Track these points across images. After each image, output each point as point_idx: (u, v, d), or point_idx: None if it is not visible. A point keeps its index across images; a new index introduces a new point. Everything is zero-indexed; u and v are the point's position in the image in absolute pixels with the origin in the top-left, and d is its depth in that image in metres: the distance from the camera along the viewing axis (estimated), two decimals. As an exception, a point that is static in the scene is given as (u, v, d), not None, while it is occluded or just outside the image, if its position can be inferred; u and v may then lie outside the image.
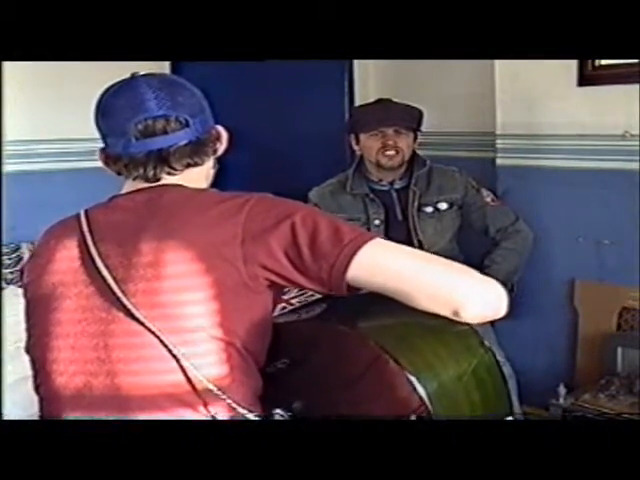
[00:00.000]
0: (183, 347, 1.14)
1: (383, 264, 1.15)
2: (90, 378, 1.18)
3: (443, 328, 1.17)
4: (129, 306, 1.16)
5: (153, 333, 1.14)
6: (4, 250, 2.72)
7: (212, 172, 1.34)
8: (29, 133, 2.91)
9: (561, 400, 2.47)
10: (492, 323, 2.66)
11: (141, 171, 1.24)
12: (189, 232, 1.17)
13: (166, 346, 1.14)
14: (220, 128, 1.31)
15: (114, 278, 1.18)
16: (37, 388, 1.26)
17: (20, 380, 1.89)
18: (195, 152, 1.25)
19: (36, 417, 1.27)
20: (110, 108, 1.25)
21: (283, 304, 1.31)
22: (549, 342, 2.80)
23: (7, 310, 1.89)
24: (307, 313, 1.30)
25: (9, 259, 2.74)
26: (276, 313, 1.28)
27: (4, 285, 2.57)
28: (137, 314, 1.15)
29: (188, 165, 1.25)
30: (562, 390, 2.47)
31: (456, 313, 1.11)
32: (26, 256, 2.70)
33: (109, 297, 1.18)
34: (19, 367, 1.78)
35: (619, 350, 2.53)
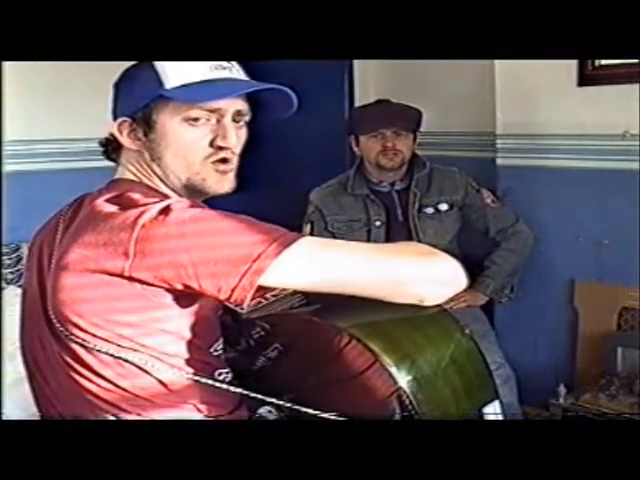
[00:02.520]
0: (107, 358, 1.14)
1: (318, 271, 1.10)
2: (60, 381, 1.19)
3: (417, 314, 1.18)
4: (51, 317, 1.15)
5: (78, 343, 1.14)
6: (4, 250, 2.72)
7: (165, 162, 1.22)
8: (29, 133, 2.90)
9: (561, 400, 2.47)
10: (492, 324, 2.68)
11: None
12: (85, 245, 1.11)
13: (95, 357, 1.14)
14: (114, 125, 1.24)
15: (46, 286, 1.18)
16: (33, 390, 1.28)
17: (20, 380, 1.89)
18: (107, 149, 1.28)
19: (36, 417, 1.27)
20: None
21: (258, 299, 1.31)
22: (549, 342, 2.80)
23: (7, 310, 1.89)
24: (282, 306, 1.31)
25: (9, 259, 2.74)
26: (251, 308, 1.28)
27: (4, 285, 2.57)
28: (57, 325, 1.15)
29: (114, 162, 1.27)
30: (562, 390, 2.47)
31: (421, 301, 1.12)
32: (26, 256, 2.70)
33: (45, 307, 1.18)
34: (19, 367, 1.78)
35: (619, 350, 2.54)
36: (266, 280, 1.07)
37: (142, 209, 1.10)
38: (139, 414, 1.16)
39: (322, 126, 3.41)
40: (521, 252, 2.59)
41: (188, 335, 1.18)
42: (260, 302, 1.32)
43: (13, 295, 2.20)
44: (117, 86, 1.25)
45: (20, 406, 1.76)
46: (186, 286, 1.09)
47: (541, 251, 2.67)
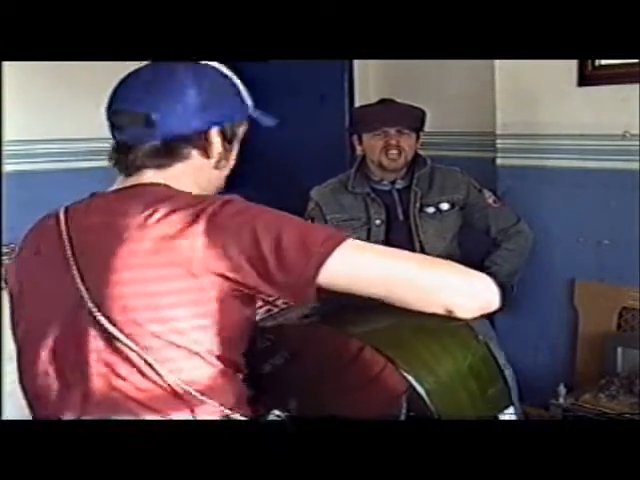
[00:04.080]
0: (156, 354, 1.14)
1: (361, 270, 1.13)
2: (69, 381, 1.19)
3: (436, 325, 1.17)
4: (96, 314, 1.15)
5: (127, 339, 1.14)
6: (4, 250, 2.71)
7: (213, 175, 1.28)
8: (29, 133, 2.90)
9: (561, 400, 2.47)
10: (492, 324, 2.68)
11: (114, 162, 1.25)
12: (149, 240, 1.14)
13: (138, 354, 1.14)
14: (213, 133, 1.24)
15: (85, 284, 1.17)
16: (23, 388, 1.27)
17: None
18: (155, 153, 1.22)
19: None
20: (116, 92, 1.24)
21: (268, 306, 1.31)
22: (549, 342, 2.80)
23: (7, 310, 1.89)
24: (292, 314, 1.31)
25: (9, 259, 2.74)
26: (262, 316, 1.28)
27: (4, 285, 2.56)
28: (111, 330, 1.14)
29: (157, 166, 1.22)
30: (562, 390, 2.47)
31: (449, 311, 1.12)
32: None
33: (82, 305, 1.17)
34: (19, 367, 1.76)
35: (619, 350, 2.53)
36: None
37: (209, 208, 1.15)
38: (167, 414, 1.15)
39: (322, 126, 3.41)
40: (521, 252, 2.59)
41: (234, 335, 1.20)
42: (270, 310, 1.32)
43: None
44: (197, 87, 1.22)
45: (20, 406, 1.75)
46: (263, 277, 1.12)
47: (541, 251, 2.67)
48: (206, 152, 1.25)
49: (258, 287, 1.14)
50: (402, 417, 1.14)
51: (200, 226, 1.12)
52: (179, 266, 1.12)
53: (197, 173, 1.26)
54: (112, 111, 1.22)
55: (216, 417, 1.16)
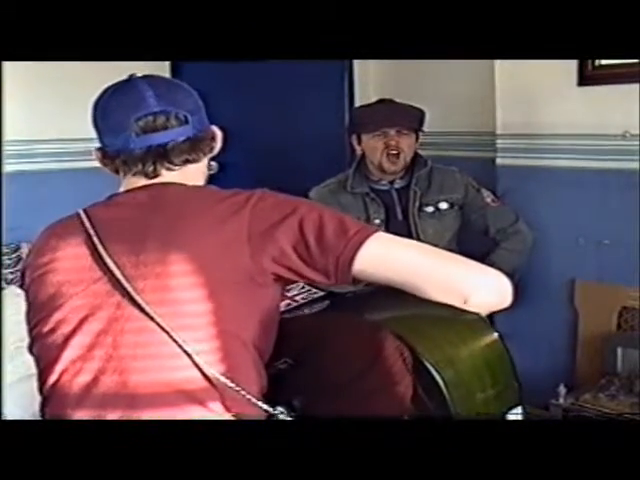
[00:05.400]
0: (193, 344, 1.15)
1: (390, 257, 1.20)
2: (98, 375, 1.17)
3: (453, 317, 1.19)
4: (140, 303, 1.16)
5: (164, 330, 1.15)
6: (4, 250, 2.72)
7: (206, 173, 1.35)
8: (29, 133, 2.90)
9: (561, 400, 2.47)
10: (492, 324, 2.68)
11: (140, 167, 1.26)
12: (195, 229, 1.19)
13: (177, 343, 1.14)
14: (215, 128, 1.33)
15: (123, 275, 1.18)
16: (41, 387, 1.24)
17: (20, 380, 1.89)
18: (193, 149, 1.28)
19: (36, 417, 1.26)
20: (109, 106, 1.27)
21: (287, 301, 1.32)
22: (549, 342, 2.80)
23: (7, 310, 1.90)
24: (311, 309, 1.31)
25: (9, 259, 2.74)
26: (281, 309, 1.28)
27: (4, 285, 2.56)
28: (149, 310, 1.15)
29: (186, 161, 1.28)
30: (562, 390, 2.47)
31: (465, 302, 1.18)
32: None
33: (118, 294, 1.18)
34: (19, 367, 1.78)
35: (619, 350, 2.54)
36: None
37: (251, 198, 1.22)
38: (200, 403, 1.15)
39: (322, 126, 3.41)
40: (521, 252, 2.59)
41: (269, 324, 1.23)
42: (289, 304, 1.33)
43: (13, 295, 2.20)
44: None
45: (20, 406, 1.76)
46: (306, 262, 1.17)
47: (541, 251, 2.67)
48: (212, 147, 1.32)
49: (300, 271, 1.18)
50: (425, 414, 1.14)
51: (246, 214, 1.19)
52: (226, 254, 1.17)
53: (203, 172, 1.33)
54: (137, 118, 1.23)
55: (240, 411, 1.16)
